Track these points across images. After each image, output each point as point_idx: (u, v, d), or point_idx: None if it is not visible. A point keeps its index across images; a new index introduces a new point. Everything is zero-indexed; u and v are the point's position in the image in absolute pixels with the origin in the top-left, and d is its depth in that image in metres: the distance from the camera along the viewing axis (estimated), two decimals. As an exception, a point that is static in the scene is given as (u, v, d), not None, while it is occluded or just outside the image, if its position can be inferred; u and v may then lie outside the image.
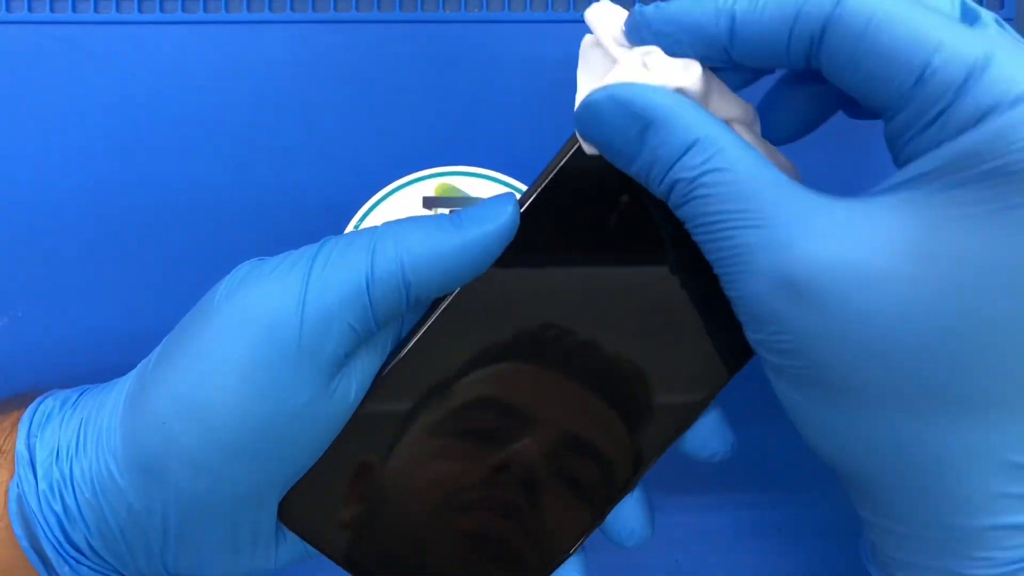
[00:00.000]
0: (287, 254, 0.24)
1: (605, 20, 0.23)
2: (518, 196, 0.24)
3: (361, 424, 0.25)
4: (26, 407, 0.26)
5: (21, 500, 0.24)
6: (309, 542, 0.25)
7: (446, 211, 0.31)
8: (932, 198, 0.20)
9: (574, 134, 0.24)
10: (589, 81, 0.23)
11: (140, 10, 0.32)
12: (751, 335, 0.22)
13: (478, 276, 0.24)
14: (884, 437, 0.21)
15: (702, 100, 0.22)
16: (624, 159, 0.22)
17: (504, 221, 0.24)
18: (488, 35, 0.32)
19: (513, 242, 0.24)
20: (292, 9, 0.32)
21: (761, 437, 0.32)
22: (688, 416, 0.25)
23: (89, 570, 0.25)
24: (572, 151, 0.24)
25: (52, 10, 0.32)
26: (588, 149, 0.23)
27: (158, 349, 0.25)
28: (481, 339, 0.25)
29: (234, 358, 0.23)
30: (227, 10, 0.32)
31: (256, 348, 0.23)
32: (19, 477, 0.24)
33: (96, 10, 0.32)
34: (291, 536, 0.26)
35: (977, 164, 0.19)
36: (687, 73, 0.22)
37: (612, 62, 0.23)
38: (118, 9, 0.32)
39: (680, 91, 0.22)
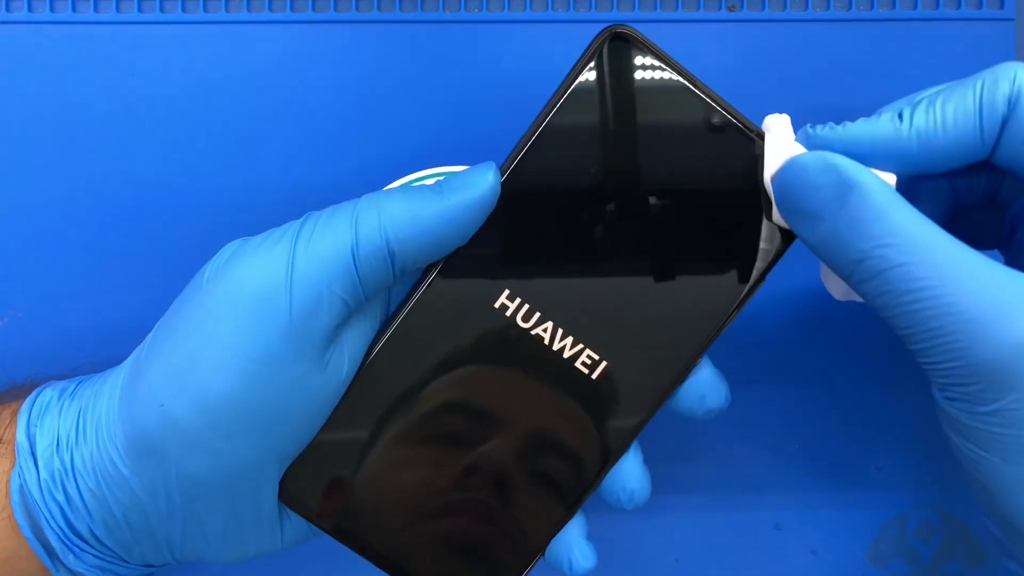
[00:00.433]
0: (271, 231, 0.25)
1: (778, 129, 0.24)
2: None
3: (355, 401, 0.25)
4: (24, 398, 0.26)
5: (23, 490, 0.24)
6: (310, 520, 0.25)
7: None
8: None
9: (552, 99, 0.24)
10: (784, 148, 0.24)
11: (140, 10, 0.32)
12: (973, 408, 0.22)
13: (462, 245, 0.24)
14: None
15: None
16: (816, 219, 0.23)
17: (485, 188, 0.24)
18: (488, 35, 0.32)
19: (495, 210, 0.24)
20: (292, 9, 0.32)
21: (761, 437, 0.33)
22: (680, 372, 0.25)
23: (93, 558, 0.25)
24: (549, 117, 0.24)
25: (52, 10, 0.32)
26: (777, 219, 0.24)
27: (150, 334, 0.25)
28: (467, 310, 0.25)
29: (227, 335, 0.23)
30: (227, 10, 0.32)
31: (248, 324, 0.23)
32: (20, 467, 0.25)
33: (96, 10, 0.32)
34: (296, 516, 0.26)
35: None
36: (885, 175, 0.23)
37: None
38: (118, 9, 0.32)
39: None
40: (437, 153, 0.32)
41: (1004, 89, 0.23)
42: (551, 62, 0.32)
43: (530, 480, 0.26)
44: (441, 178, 0.25)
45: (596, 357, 0.25)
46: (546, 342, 0.25)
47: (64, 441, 0.25)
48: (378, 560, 0.26)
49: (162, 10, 0.32)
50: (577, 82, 0.24)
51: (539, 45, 0.32)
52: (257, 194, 0.32)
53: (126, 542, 0.25)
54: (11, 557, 0.25)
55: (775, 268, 0.25)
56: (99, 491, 0.24)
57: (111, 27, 0.32)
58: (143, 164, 0.32)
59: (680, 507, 0.32)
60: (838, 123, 0.24)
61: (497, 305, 0.25)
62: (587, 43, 0.24)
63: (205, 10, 0.32)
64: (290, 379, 0.23)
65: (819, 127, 0.24)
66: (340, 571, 0.32)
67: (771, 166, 0.24)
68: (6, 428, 0.25)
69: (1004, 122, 0.23)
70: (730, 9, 0.32)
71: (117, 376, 0.25)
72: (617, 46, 0.24)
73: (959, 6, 0.32)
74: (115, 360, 0.26)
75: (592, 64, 0.24)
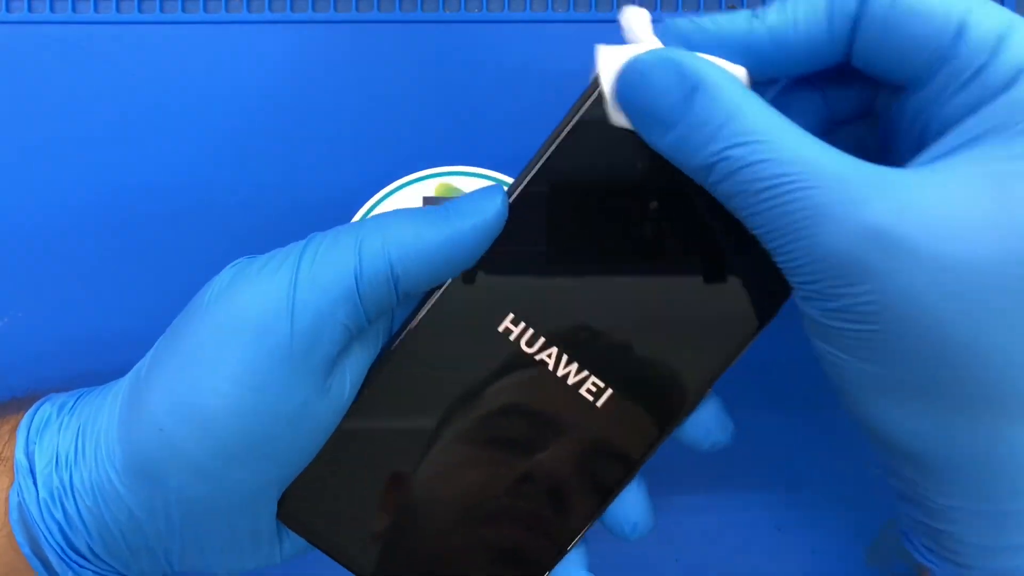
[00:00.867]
0: (274, 253, 0.24)
1: (638, 23, 0.23)
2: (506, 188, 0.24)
3: (356, 421, 0.25)
4: (23, 411, 0.26)
5: (22, 507, 0.24)
6: (308, 539, 0.25)
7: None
8: (996, 151, 0.20)
9: (561, 124, 0.24)
10: (622, 53, 0.23)
11: (140, 10, 0.32)
12: (824, 304, 0.21)
13: (467, 268, 0.24)
14: (965, 425, 0.21)
15: None
16: (663, 125, 0.22)
17: (492, 213, 0.23)
18: (488, 35, 0.32)
19: (502, 234, 0.24)
20: (292, 9, 0.32)
21: (762, 437, 0.33)
22: (687, 405, 0.25)
23: (92, 573, 0.25)
24: (559, 140, 0.24)
25: (52, 10, 0.32)
26: (616, 119, 0.23)
27: (151, 353, 0.25)
28: (470, 333, 0.25)
29: (228, 362, 0.23)
30: (227, 10, 0.32)
31: (249, 352, 0.23)
32: (19, 485, 0.24)
33: (96, 10, 0.32)
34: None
35: None
36: (734, 67, 0.22)
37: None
38: (118, 9, 0.32)
39: None
40: (437, 153, 0.32)
41: None
42: (551, 62, 0.32)
43: (529, 512, 0.25)
44: (448, 199, 0.24)
45: (601, 385, 0.25)
46: (550, 367, 0.25)
47: (63, 459, 0.24)
48: None
49: (162, 10, 0.32)
50: (589, 101, 0.23)
51: (539, 45, 0.32)
52: (257, 194, 0.32)
53: (124, 558, 0.25)
54: (10, 572, 0.25)
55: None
56: (98, 510, 0.24)
57: (111, 27, 0.32)
58: (143, 164, 0.31)
59: (680, 507, 0.32)
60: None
61: (501, 329, 0.24)
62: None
63: (205, 10, 0.32)
64: (291, 406, 0.23)
65: (679, 20, 0.23)
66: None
67: (612, 65, 0.23)
68: (5, 444, 0.25)
69: (856, 19, 0.22)
70: (730, 8, 0.32)
71: (116, 394, 0.25)
72: None
73: (959, 6, 0.32)
74: (116, 366, 0.26)
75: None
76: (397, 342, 0.25)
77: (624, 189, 0.24)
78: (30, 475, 0.25)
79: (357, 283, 0.23)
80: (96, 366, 0.31)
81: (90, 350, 0.32)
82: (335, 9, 0.32)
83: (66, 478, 0.24)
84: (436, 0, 0.32)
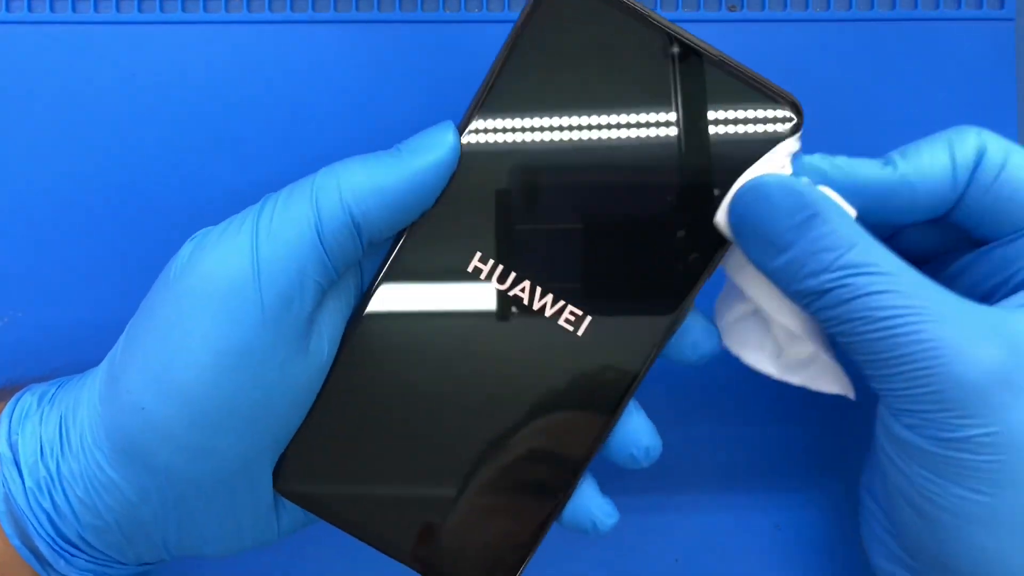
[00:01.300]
0: (231, 219, 0.24)
1: (784, 149, 0.24)
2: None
3: (338, 382, 0.24)
4: (3, 403, 0.26)
5: (8, 498, 0.24)
6: (304, 507, 0.25)
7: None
8: None
9: (504, 45, 0.23)
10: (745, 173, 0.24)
11: (140, 10, 0.32)
12: (938, 433, 0.22)
13: (426, 212, 0.24)
14: None
15: None
16: (776, 247, 0.23)
17: (445, 149, 0.23)
18: (487, 35, 0.32)
19: (457, 171, 0.24)
20: (292, 9, 0.32)
21: (761, 437, 0.33)
22: (669, 320, 0.25)
23: (85, 562, 0.25)
24: (504, 63, 0.23)
25: (52, 10, 0.32)
26: (727, 233, 0.23)
27: (123, 336, 0.25)
28: (440, 277, 0.24)
29: (200, 332, 0.23)
30: (227, 10, 0.32)
31: (220, 318, 0.23)
32: (4, 476, 0.24)
33: (96, 10, 0.32)
34: (291, 504, 0.26)
35: None
36: (847, 206, 0.23)
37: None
38: (118, 9, 0.32)
39: None
40: (437, 153, 0.32)
41: (972, 141, 0.24)
42: (551, 62, 0.32)
43: (530, 452, 0.25)
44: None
45: (579, 313, 0.24)
46: (525, 302, 0.24)
47: (48, 449, 0.24)
48: (378, 543, 0.25)
49: (162, 10, 0.32)
50: (527, 29, 0.23)
51: (539, 45, 0.32)
52: (257, 194, 0.31)
53: (119, 544, 0.25)
54: (1, 564, 0.25)
55: None
56: (88, 498, 0.24)
57: (111, 27, 0.31)
58: (143, 164, 0.31)
59: (680, 507, 0.32)
60: (834, 157, 0.24)
61: (470, 269, 0.24)
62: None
63: (205, 10, 0.32)
64: (270, 369, 0.23)
65: (814, 156, 0.24)
66: (337, 555, 0.32)
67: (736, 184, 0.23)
68: None
69: (973, 169, 0.24)
70: (730, 9, 0.32)
71: (93, 381, 0.25)
72: None
73: (959, 6, 0.32)
74: (97, 359, 0.26)
75: (542, 7, 0.23)
76: (369, 295, 0.25)
77: (575, 105, 0.24)
78: (14, 465, 0.24)
79: (320, 236, 0.23)
80: (81, 359, 0.31)
81: (74, 344, 0.31)
82: (335, 9, 0.32)
83: (53, 467, 0.24)
84: (436, 0, 0.32)
